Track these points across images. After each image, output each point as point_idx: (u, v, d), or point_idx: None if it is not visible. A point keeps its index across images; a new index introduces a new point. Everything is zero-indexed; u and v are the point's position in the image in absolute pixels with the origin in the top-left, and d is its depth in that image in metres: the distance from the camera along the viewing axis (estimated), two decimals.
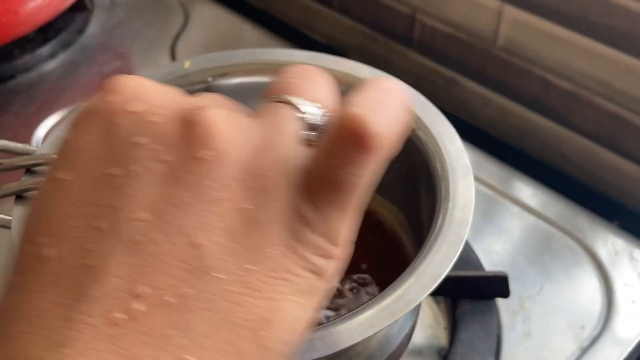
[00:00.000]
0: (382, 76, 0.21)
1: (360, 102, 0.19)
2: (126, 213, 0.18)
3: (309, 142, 0.20)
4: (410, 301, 0.30)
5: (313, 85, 0.21)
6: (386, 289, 0.31)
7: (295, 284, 0.19)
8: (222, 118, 0.19)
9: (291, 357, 0.19)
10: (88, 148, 0.19)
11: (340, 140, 0.19)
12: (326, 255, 0.19)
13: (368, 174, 0.19)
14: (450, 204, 0.34)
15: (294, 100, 0.20)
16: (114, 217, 0.18)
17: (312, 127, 0.20)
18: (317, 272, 0.19)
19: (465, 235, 0.33)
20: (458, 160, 0.36)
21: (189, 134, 0.19)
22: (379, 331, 0.29)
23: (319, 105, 0.21)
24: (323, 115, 0.21)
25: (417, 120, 0.39)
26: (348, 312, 0.30)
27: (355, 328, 0.29)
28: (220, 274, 0.17)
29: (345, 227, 0.20)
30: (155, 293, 0.17)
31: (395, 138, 0.20)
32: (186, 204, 0.18)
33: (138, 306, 0.17)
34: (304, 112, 0.20)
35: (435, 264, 0.31)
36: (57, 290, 0.17)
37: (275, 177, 0.19)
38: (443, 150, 0.37)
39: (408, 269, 0.31)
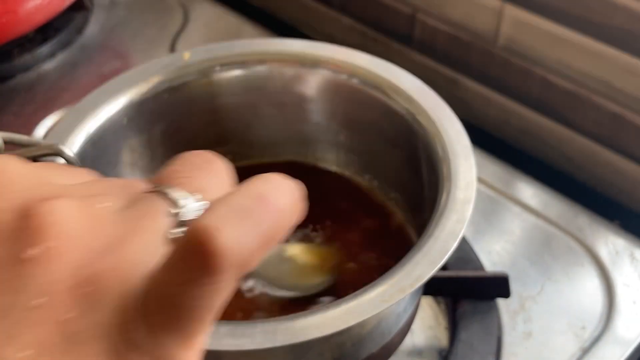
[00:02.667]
0: (269, 176, 0.18)
1: (217, 209, 0.17)
2: None
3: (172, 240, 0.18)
4: (419, 277, 0.30)
5: (202, 174, 0.19)
6: (395, 266, 0.31)
7: None
8: (66, 210, 0.17)
9: None
10: None
11: (182, 256, 0.16)
12: None
13: (215, 296, 0.16)
14: (452, 184, 0.35)
15: (172, 191, 0.18)
16: None
17: (187, 224, 0.18)
18: None
19: (469, 213, 0.33)
20: (458, 142, 0.37)
21: (22, 227, 0.16)
22: (389, 306, 0.29)
23: (201, 198, 0.18)
24: (200, 208, 0.18)
25: (417, 105, 0.39)
26: (360, 289, 0.30)
27: (367, 303, 0.29)
28: None
29: (187, 352, 0.17)
30: None
31: (254, 254, 0.17)
32: (0, 311, 0.16)
33: None
34: (181, 204, 0.18)
35: (442, 241, 0.32)
36: None
37: (110, 284, 0.16)
38: (443, 133, 0.37)
39: (415, 247, 0.32)
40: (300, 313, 0.30)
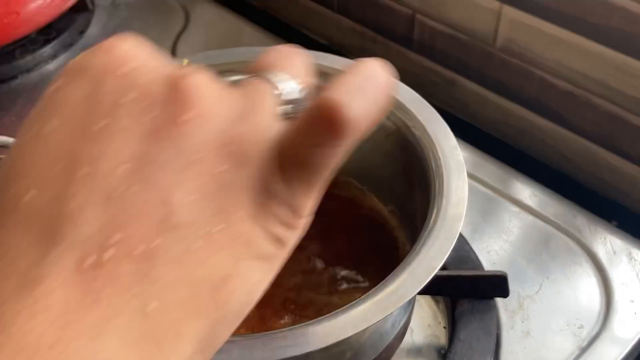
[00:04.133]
0: (371, 60, 0.22)
1: (339, 87, 0.20)
2: (107, 164, 0.18)
3: (286, 116, 0.21)
4: (402, 296, 0.30)
5: (292, 63, 0.23)
6: (379, 284, 0.31)
7: (257, 250, 0.19)
8: (205, 85, 0.20)
9: (242, 318, 0.20)
10: (74, 101, 0.20)
11: (314, 123, 0.19)
12: (289, 226, 0.20)
13: (337, 155, 0.20)
14: (444, 200, 0.34)
15: (273, 76, 0.21)
16: (95, 167, 0.18)
17: (289, 101, 0.21)
18: (278, 241, 0.20)
19: (458, 231, 0.33)
20: (452, 157, 0.37)
21: (173, 96, 0.19)
22: (371, 325, 0.29)
23: (298, 81, 0.22)
24: (301, 90, 0.22)
25: (413, 118, 0.39)
26: (341, 308, 0.30)
27: (349, 322, 0.29)
28: (188, 231, 0.18)
29: (309, 201, 0.21)
30: (126, 243, 0.18)
31: (369, 124, 0.20)
32: (164, 163, 0.18)
33: (109, 254, 0.17)
34: (281, 87, 0.21)
35: (428, 259, 0.32)
36: (33, 233, 0.18)
37: (250, 146, 0.19)
38: (437, 147, 0.37)
39: (401, 264, 0.32)
40: (281, 330, 0.30)
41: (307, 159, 0.20)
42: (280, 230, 0.20)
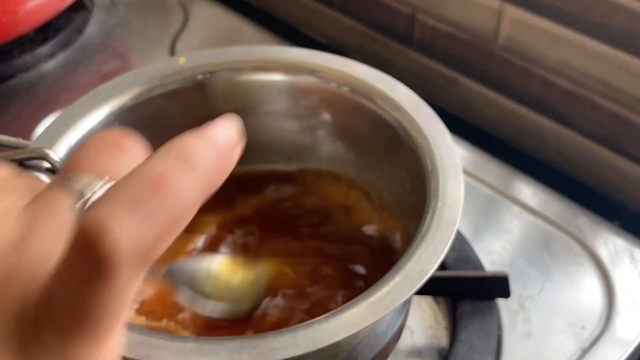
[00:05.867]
0: (166, 150, 0.17)
1: (107, 201, 0.15)
2: None
3: None
4: (394, 299, 0.30)
5: (109, 155, 0.18)
6: (372, 287, 0.31)
7: None
8: None
9: None
10: None
11: (75, 257, 0.15)
12: None
13: (117, 295, 0.15)
14: (439, 202, 0.34)
15: (74, 180, 0.17)
16: None
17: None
18: None
19: (453, 233, 0.33)
20: (448, 159, 0.36)
21: None
22: (363, 328, 0.29)
23: (107, 179, 0.17)
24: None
25: (409, 118, 0.39)
26: (334, 310, 0.30)
27: (340, 325, 0.29)
28: None
29: (97, 355, 0.16)
30: None
31: (154, 246, 0.15)
32: None
33: None
34: (84, 195, 0.17)
35: (423, 262, 0.31)
36: None
37: (10, 288, 0.15)
38: (434, 148, 0.37)
39: (395, 267, 0.31)
40: (271, 333, 0.30)
41: (75, 303, 0.15)
42: None
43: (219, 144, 0.17)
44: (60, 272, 0.15)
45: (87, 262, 0.14)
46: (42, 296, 0.15)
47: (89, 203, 0.17)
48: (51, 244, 0.16)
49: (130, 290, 0.15)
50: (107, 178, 0.17)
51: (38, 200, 0.17)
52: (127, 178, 0.15)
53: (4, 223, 0.16)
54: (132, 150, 0.19)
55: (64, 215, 0.16)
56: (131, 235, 0.14)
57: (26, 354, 0.15)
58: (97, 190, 0.17)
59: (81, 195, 0.17)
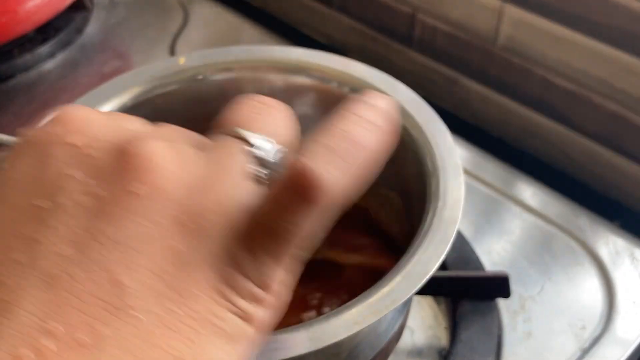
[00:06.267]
0: (366, 103, 0.20)
1: (316, 148, 0.18)
2: (47, 246, 0.17)
3: (258, 180, 0.19)
4: (395, 299, 0.30)
5: (269, 119, 0.21)
6: (372, 287, 0.31)
7: (220, 327, 0.18)
8: (161, 151, 0.18)
9: None
10: (19, 179, 0.18)
11: (284, 189, 0.18)
12: (256, 301, 0.19)
13: (310, 224, 0.18)
14: (440, 202, 0.34)
15: (246, 134, 0.20)
16: (34, 250, 0.17)
17: (264, 163, 0.20)
18: (244, 317, 0.18)
19: (454, 234, 0.33)
20: (449, 159, 0.36)
21: (123, 166, 0.18)
22: (364, 328, 0.29)
23: (274, 141, 0.20)
24: (277, 152, 0.20)
25: (410, 118, 0.39)
26: (335, 309, 0.30)
27: (340, 325, 0.29)
28: (140, 314, 0.17)
29: (279, 274, 0.19)
30: (68, 331, 0.16)
31: (348, 190, 0.19)
32: (112, 240, 0.17)
33: (48, 344, 0.16)
34: (255, 148, 0.20)
35: (423, 262, 0.31)
36: None
37: (212, 217, 0.18)
38: (434, 148, 0.37)
39: (395, 267, 0.31)
40: (271, 332, 0.30)
41: (274, 228, 0.18)
42: (245, 306, 0.18)
43: (380, 108, 0.21)
44: (269, 203, 0.18)
45: (297, 193, 0.18)
46: (244, 226, 0.18)
47: (260, 155, 0.19)
48: (238, 185, 0.19)
49: (321, 226, 0.19)
50: (270, 138, 0.20)
51: (213, 147, 0.19)
52: (326, 135, 0.19)
53: (192, 163, 0.18)
54: (282, 115, 0.21)
55: (242, 162, 0.19)
56: (335, 177, 0.18)
57: (225, 278, 0.18)
58: (265, 145, 0.20)
59: (252, 146, 0.19)
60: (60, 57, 0.67)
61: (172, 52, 0.67)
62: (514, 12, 0.56)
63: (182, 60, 0.42)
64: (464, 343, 0.42)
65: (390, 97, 0.20)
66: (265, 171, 0.19)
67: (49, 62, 0.66)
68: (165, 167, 0.18)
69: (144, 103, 0.42)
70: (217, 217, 0.18)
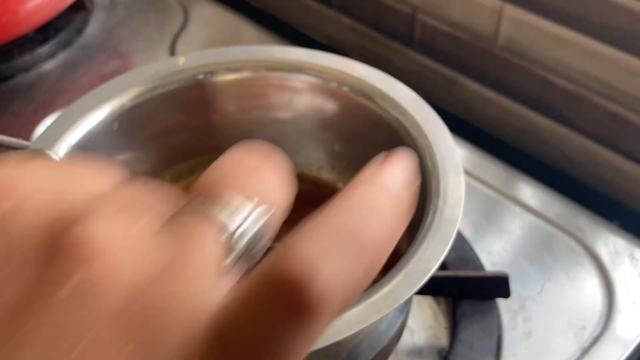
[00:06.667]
0: (357, 202, 0.16)
1: (308, 239, 0.14)
2: None
3: (237, 262, 0.15)
4: (397, 298, 0.30)
5: (253, 177, 0.16)
6: (373, 286, 0.31)
7: None
8: (106, 234, 0.14)
9: None
10: None
11: (266, 296, 0.14)
12: None
13: (307, 341, 0.14)
14: (440, 202, 0.34)
15: (218, 205, 0.15)
16: None
17: (243, 238, 0.15)
18: None
19: (454, 233, 0.33)
20: (449, 158, 0.36)
21: (54, 255, 0.14)
22: (365, 327, 0.29)
23: (258, 205, 0.16)
24: (260, 218, 0.16)
25: (409, 117, 0.39)
26: None
27: (342, 324, 0.29)
28: None
29: None
30: None
31: (351, 299, 0.15)
32: (36, 356, 0.13)
33: None
34: (230, 222, 0.15)
35: (424, 262, 0.31)
36: None
37: (168, 324, 0.14)
38: (434, 147, 0.37)
39: (396, 266, 0.32)
40: None
41: (260, 347, 0.14)
42: None
43: (393, 191, 0.17)
44: (245, 308, 0.14)
45: (288, 304, 0.14)
46: (210, 334, 0.14)
47: (236, 236, 0.15)
48: (204, 277, 0.15)
49: (316, 339, 0.15)
50: (246, 209, 0.16)
51: (176, 228, 0.15)
52: (322, 225, 0.15)
53: (146, 248, 0.15)
54: (269, 176, 0.17)
55: (210, 248, 0.15)
56: (339, 282, 0.14)
57: None
58: (242, 222, 0.16)
59: (224, 227, 0.15)
60: (60, 58, 0.67)
61: (172, 52, 0.67)
62: (514, 12, 0.56)
63: (182, 60, 0.42)
64: (464, 343, 0.42)
65: (408, 153, 0.17)
66: (246, 247, 0.16)
67: (49, 62, 0.66)
68: (107, 257, 0.14)
69: (144, 103, 0.42)
70: (175, 322, 0.14)
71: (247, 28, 0.70)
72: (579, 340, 0.43)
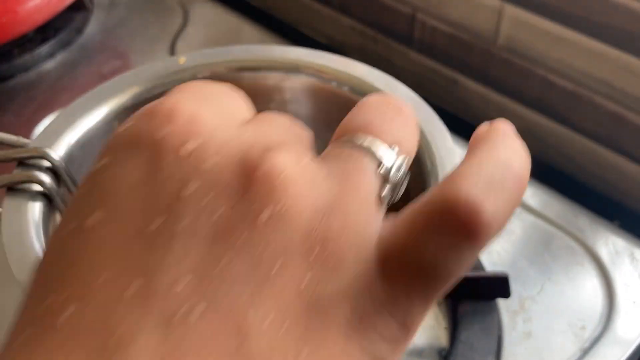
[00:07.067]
0: (503, 135, 0.18)
1: (473, 178, 0.16)
2: (164, 279, 0.15)
3: (384, 201, 0.17)
4: None
5: (393, 124, 0.18)
6: None
7: None
8: (289, 167, 0.16)
9: None
10: (125, 186, 0.16)
11: (438, 223, 0.16)
12: (395, 344, 0.16)
13: (466, 263, 0.16)
14: None
15: (373, 146, 0.17)
16: (148, 282, 0.15)
17: (388, 179, 0.18)
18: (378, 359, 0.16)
19: None
20: (448, 159, 0.36)
21: (248, 188, 0.16)
22: None
23: (398, 152, 0.18)
24: (402, 164, 0.18)
25: None
26: None
27: None
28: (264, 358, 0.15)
29: (424, 316, 0.17)
30: None
31: (505, 223, 0.17)
32: (236, 276, 0.15)
33: None
34: (383, 164, 0.17)
35: None
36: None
37: (344, 246, 0.16)
38: (433, 148, 0.37)
39: None
40: None
41: (425, 266, 0.16)
42: (383, 350, 0.16)
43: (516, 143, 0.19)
44: (415, 227, 0.16)
45: (458, 227, 0.16)
46: (382, 256, 0.16)
47: (393, 170, 0.18)
48: (368, 206, 0.17)
49: (472, 261, 0.17)
50: (397, 149, 0.18)
51: (340, 160, 0.17)
52: (483, 162, 0.17)
53: (317, 180, 0.16)
54: (411, 120, 0.19)
55: (370, 178, 0.17)
56: (500, 210, 0.16)
57: (360, 318, 0.16)
58: (392, 159, 0.18)
59: (381, 163, 0.17)
60: (60, 57, 0.67)
61: (172, 52, 0.67)
62: (514, 12, 0.56)
63: (182, 60, 0.42)
64: (464, 343, 0.42)
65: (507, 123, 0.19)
66: (390, 189, 0.18)
67: (49, 62, 0.66)
68: (295, 186, 0.16)
69: (144, 103, 0.41)
70: (351, 245, 0.16)
71: (247, 28, 0.70)
72: (579, 340, 0.43)
